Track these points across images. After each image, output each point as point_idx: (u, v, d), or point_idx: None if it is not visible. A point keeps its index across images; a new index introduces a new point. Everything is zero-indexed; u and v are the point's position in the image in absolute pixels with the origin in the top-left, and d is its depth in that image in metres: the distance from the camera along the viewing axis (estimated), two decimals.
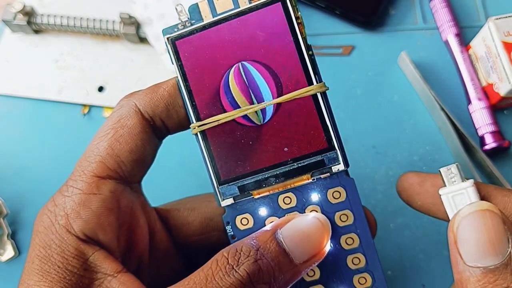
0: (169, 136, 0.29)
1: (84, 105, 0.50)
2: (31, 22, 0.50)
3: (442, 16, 0.49)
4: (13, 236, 0.45)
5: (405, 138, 0.47)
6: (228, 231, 0.27)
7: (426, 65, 0.49)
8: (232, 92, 0.26)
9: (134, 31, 0.50)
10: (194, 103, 0.26)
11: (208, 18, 0.26)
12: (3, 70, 0.51)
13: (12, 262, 0.44)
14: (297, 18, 0.25)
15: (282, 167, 0.26)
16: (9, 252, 0.43)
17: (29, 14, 0.50)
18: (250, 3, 0.26)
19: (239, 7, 0.26)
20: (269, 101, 0.26)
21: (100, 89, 0.50)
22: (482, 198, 0.26)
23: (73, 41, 0.52)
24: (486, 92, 0.46)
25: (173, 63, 0.27)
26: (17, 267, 0.43)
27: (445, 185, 0.26)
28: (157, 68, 0.51)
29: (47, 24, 0.51)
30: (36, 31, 0.52)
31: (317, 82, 0.25)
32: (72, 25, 0.50)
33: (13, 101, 0.50)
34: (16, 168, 0.47)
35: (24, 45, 0.52)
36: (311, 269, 0.26)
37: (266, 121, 0.26)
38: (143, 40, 0.51)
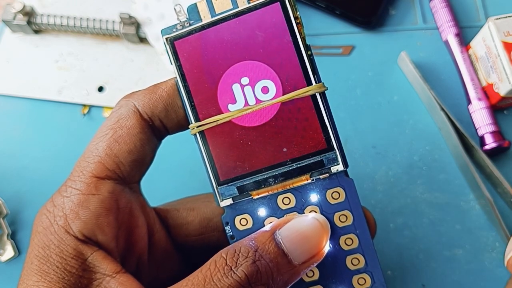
0: (169, 136, 0.29)
1: (84, 105, 0.50)
2: (31, 22, 0.50)
3: (442, 16, 0.49)
4: (13, 236, 0.45)
5: (405, 138, 0.47)
6: (227, 231, 0.27)
7: (426, 65, 0.49)
8: (231, 92, 0.26)
9: (134, 31, 0.49)
10: (193, 103, 0.26)
11: (206, 18, 0.26)
12: (3, 70, 0.51)
13: (12, 262, 0.44)
14: (296, 18, 0.25)
15: (281, 168, 0.26)
16: (9, 252, 0.43)
17: (29, 14, 0.50)
18: (248, 3, 0.25)
19: (238, 7, 0.26)
20: (268, 102, 0.26)
21: (100, 89, 0.50)
22: None
23: (73, 41, 0.52)
24: (486, 92, 0.46)
25: (171, 64, 0.27)
26: (17, 267, 0.43)
27: None
28: (157, 68, 0.50)
29: (47, 24, 0.51)
30: (36, 31, 0.52)
31: (316, 82, 0.25)
32: (72, 25, 0.50)
33: (13, 101, 0.50)
34: (16, 168, 0.47)
35: (24, 45, 0.52)
36: (310, 270, 0.26)
37: (265, 121, 0.26)
38: (143, 40, 0.51)
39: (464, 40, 0.49)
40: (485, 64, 0.46)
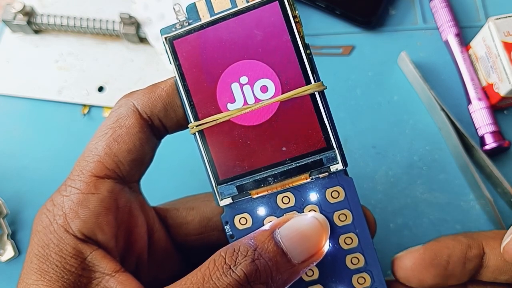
0: (168, 136, 0.29)
1: (84, 105, 0.50)
2: (31, 22, 0.50)
3: (442, 16, 0.49)
4: (13, 236, 0.45)
5: (405, 138, 0.47)
6: (226, 230, 0.27)
7: (426, 65, 0.49)
8: (230, 91, 0.26)
9: (134, 31, 0.50)
10: (192, 102, 0.26)
11: (205, 17, 0.26)
12: (3, 70, 0.51)
13: (12, 262, 0.44)
14: (294, 17, 0.25)
15: (281, 167, 0.26)
16: (9, 252, 0.43)
17: (29, 14, 0.50)
18: (247, 2, 0.25)
19: (237, 7, 0.26)
20: (267, 101, 0.26)
21: (100, 89, 0.50)
22: None
23: (73, 41, 0.52)
24: (486, 92, 0.46)
25: (171, 63, 0.27)
26: (17, 267, 0.43)
27: None
28: (157, 68, 0.50)
29: (47, 24, 0.51)
30: (36, 31, 0.52)
31: (315, 81, 0.25)
32: (72, 25, 0.50)
33: (13, 101, 0.50)
34: (16, 168, 0.47)
35: (24, 45, 0.52)
36: (310, 269, 0.26)
37: (264, 120, 0.26)
38: (143, 40, 0.51)
39: (464, 40, 0.49)
40: (485, 64, 0.45)
